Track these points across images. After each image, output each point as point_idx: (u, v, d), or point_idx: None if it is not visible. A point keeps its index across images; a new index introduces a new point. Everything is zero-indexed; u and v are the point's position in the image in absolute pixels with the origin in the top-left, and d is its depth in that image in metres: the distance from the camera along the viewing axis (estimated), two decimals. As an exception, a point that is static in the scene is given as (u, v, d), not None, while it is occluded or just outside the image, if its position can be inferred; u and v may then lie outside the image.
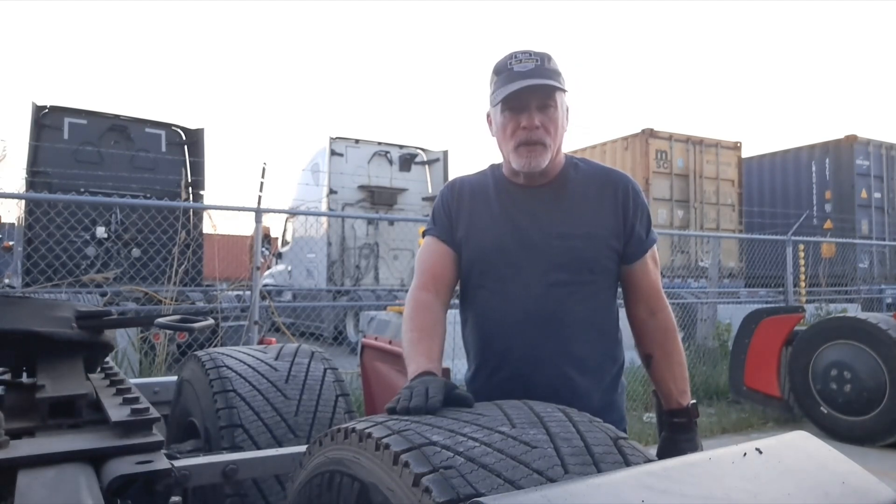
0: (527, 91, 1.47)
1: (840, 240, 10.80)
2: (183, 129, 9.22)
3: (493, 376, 1.56)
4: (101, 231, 8.19)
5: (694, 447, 1.52)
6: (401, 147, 11.98)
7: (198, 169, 9.02)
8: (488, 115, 1.62)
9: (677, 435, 1.56)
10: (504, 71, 1.51)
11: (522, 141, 1.50)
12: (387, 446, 0.93)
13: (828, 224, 12.22)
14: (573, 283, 1.52)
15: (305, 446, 1.22)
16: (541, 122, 1.49)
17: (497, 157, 1.68)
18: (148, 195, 7.42)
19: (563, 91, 1.52)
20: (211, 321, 2.05)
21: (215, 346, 5.00)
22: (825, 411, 5.33)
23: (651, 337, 1.61)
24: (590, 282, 1.54)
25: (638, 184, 1.64)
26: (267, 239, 12.54)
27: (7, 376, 1.93)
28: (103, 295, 6.26)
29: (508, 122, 1.52)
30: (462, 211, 1.62)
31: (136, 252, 8.20)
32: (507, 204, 1.59)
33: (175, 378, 2.31)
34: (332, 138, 11.19)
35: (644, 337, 1.62)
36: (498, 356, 1.56)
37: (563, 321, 1.51)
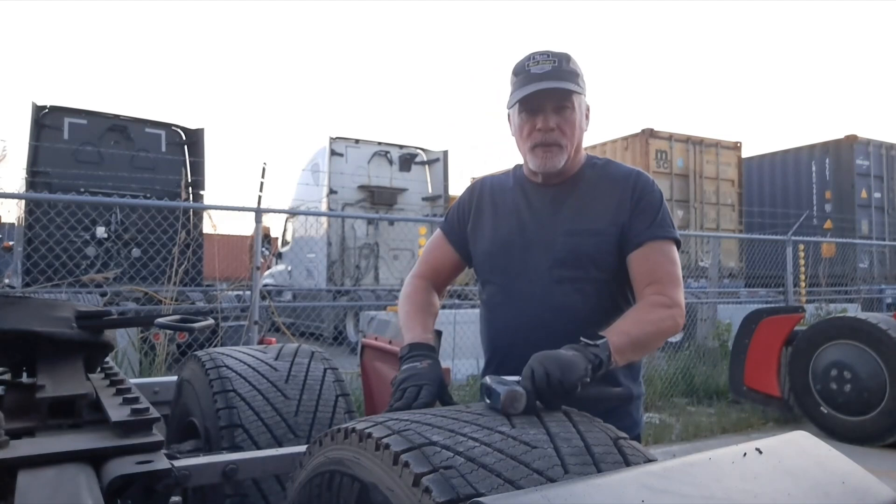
0: (542, 93, 1.48)
1: (840, 240, 10.80)
2: (183, 129, 9.21)
3: (500, 370, 1.55)
4: (101, 231, 8.19)
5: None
6: (401, 147, 11.97)
7: (198, 169, 9.01)
8: (508, 116, 1.63)
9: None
10: (522, 72, 1.52)
11: (538, 142, 1.52)
12: (387, 446, 0.93)
13: (828, 224, 12.21)
14: (579, 280, 1.52)
15: (305, 446, 1.21)
16: (556, 123, 1.51)
17: (518, 158, 1.69)
18: (148, 195, 7.40)
19: (580, 93, 1.52)
20: (211, 321, 2.05)
21: (215, 346, 5.00)
22: (825, 411, 5.33)
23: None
24: (595, 279, 1.52)
25: (650, 179, 1.60)
26: (267, 239, 12.53)
27: (7, 376, 1.93)
28: (103, 295, 6.25)
29: (525, 123, 1.54)
30: (478, 210, 1.67)
31: (136, 252, 8.20)
32: (519, 202, 1.62)
33: (175, 378, 2.30)
34: (332, 138, 11.19)
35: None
36: (503, 350, 1.60)
37: (567, 318, 1.49)
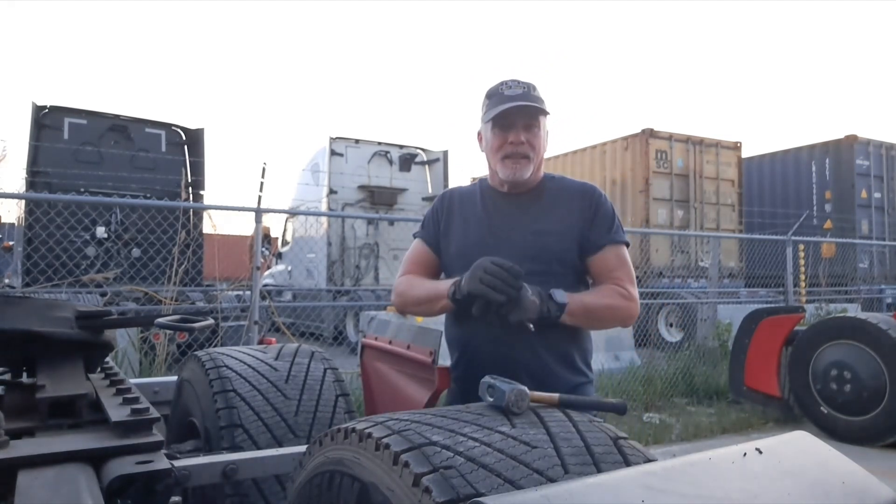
0: (516, 111, 1.68)
1: (840, 240, 10.80)
2: (183, 129, 9.22)
3: (474, 361, 1.72)
4: (101, 231, 8.19)
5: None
6: (401, 147, 11.97)
7: (198, 169, 9.01)
8: (479, 133, 1.84)
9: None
10: (495, 95, 1.73)
11: (509, 154, 1.73)
12: (387, 446, 0.93)
13: (828, 224, 12.21)
14: (545, 274, 1.68)
15: (305, 446, 1.22)
16: (526, 139, 1.72)
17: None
18: (148, 195, 7.41)
19: (546, 115, 1.73)
20: (211, 321, 2.05)
21: (215, 346, 5.00)
22: (825, 411, 5.33)
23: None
24: (560, 273, 1.72)
25: (604, 193, 1.84)
26: (267, 239, 12.53)
27: (7, 376, 1.93)
28: (103, 295, 6.25)
29: (498, 137, 1.74)
30: (450, 216, 1.87)
31: (136, 252, 8.20)
32: (489, 208, 1.82)
33: (175, 378, 2.30)
34: (332, 138, 11.19)
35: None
36: (477, 342, 1.73)
37: None
